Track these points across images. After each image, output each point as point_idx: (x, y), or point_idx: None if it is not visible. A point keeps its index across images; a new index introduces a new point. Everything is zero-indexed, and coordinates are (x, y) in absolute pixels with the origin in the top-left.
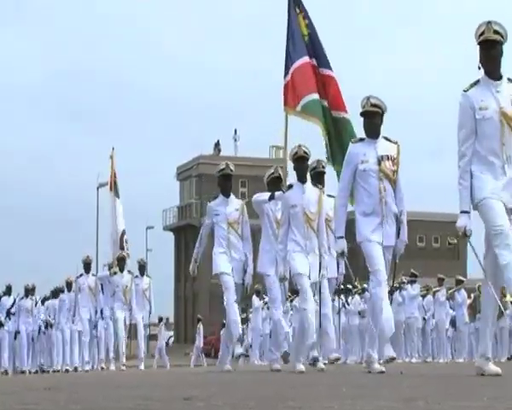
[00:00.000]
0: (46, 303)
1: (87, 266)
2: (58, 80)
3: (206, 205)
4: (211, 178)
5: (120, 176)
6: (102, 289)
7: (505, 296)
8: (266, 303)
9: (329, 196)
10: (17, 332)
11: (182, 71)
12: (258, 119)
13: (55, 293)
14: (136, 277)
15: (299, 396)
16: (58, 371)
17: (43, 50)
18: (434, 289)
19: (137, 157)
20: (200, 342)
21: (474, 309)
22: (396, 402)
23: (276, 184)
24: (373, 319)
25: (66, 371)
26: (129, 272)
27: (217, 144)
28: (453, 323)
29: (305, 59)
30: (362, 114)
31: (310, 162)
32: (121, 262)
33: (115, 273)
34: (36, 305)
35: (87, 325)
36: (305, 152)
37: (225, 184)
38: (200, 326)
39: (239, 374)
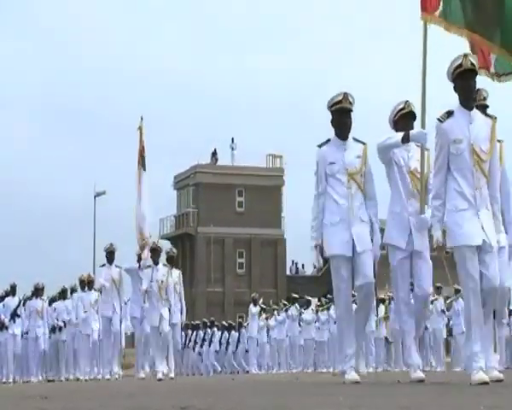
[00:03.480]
0: (54, 305)
1: (110, 256)
2: (57, 88)
3: (316, 150)
4: (208, 187)
5: (118, 183)
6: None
7: None
8: (264, 310)
9: None
10: (23, 336)
11: (179, 78)
12: (255, 128)
13: (63, 293)
14: None
15: (296, 405)
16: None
17: (40, 58)
18: (432, 299)
19: (134, 165)
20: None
21: None
22: None
23: (407, 122)
24: None
25: (77, 379)
26: (164, 264)
27: (214, 153)
28: (449, 332)
29: None
30: None
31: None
32: (155, 253)
33: (149, 266)
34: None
35: (108, 325)
36: (472, 64)
37: (342, 121)
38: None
39: (237, 383)
